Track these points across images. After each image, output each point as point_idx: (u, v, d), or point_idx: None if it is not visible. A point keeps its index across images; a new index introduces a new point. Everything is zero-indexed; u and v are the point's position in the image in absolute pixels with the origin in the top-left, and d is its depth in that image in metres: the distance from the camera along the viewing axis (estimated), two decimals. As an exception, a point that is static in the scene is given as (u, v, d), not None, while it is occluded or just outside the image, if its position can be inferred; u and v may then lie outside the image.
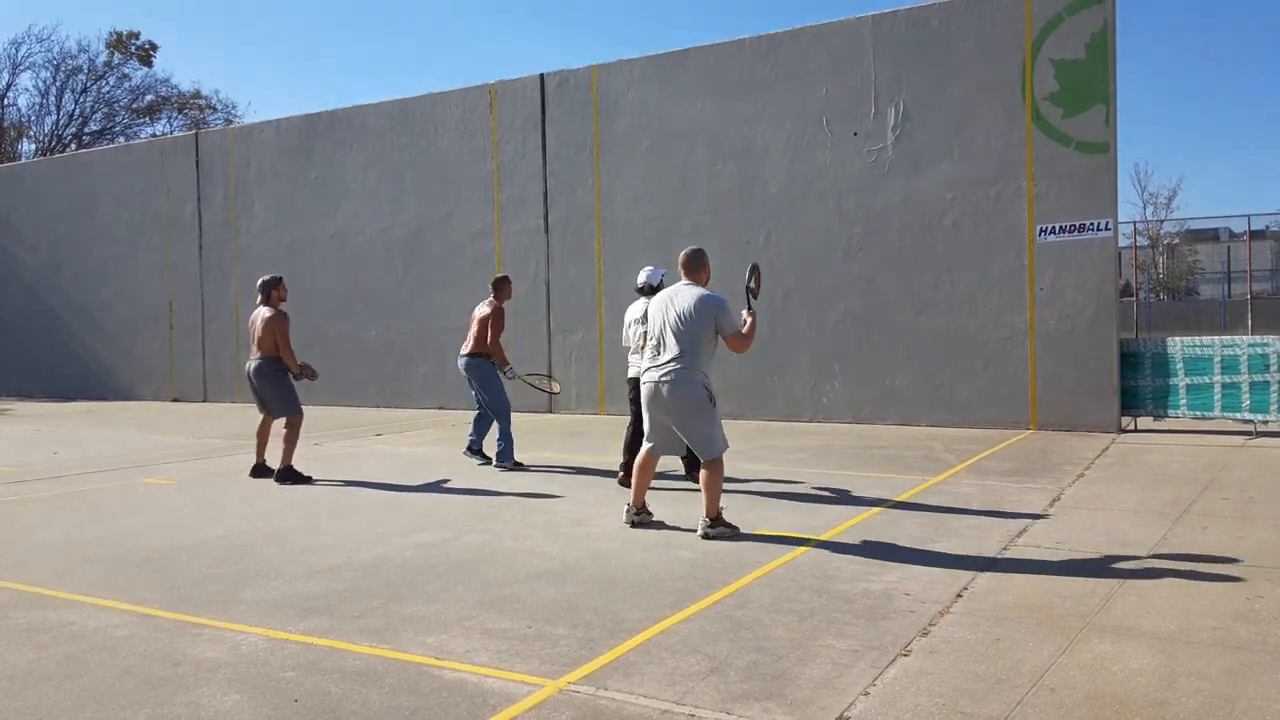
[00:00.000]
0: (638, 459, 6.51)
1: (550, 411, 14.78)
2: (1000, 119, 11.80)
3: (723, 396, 13.53)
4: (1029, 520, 6.56)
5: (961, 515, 6.75)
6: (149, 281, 19.26)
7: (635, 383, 7.82)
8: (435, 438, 10.78)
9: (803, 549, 5.86)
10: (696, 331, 6.14)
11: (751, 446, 10.65)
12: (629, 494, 6.70)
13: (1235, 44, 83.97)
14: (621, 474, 8.03)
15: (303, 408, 9.05)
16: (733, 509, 7.15)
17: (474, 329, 9.53)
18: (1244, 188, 79.74)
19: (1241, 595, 4.78)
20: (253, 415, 9.54)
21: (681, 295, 6.29)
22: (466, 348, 9.56)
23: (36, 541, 6.55)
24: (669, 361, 6.14)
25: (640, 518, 6.54)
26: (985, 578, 5.17)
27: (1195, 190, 74.26)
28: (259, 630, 4.52)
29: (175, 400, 18.77)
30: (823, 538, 6.15)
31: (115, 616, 4.78)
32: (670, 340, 6.17)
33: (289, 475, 8.73)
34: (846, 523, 6.59)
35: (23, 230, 21.19)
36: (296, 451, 8.94)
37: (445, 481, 8.69)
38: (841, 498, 7.52)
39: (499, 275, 9.82)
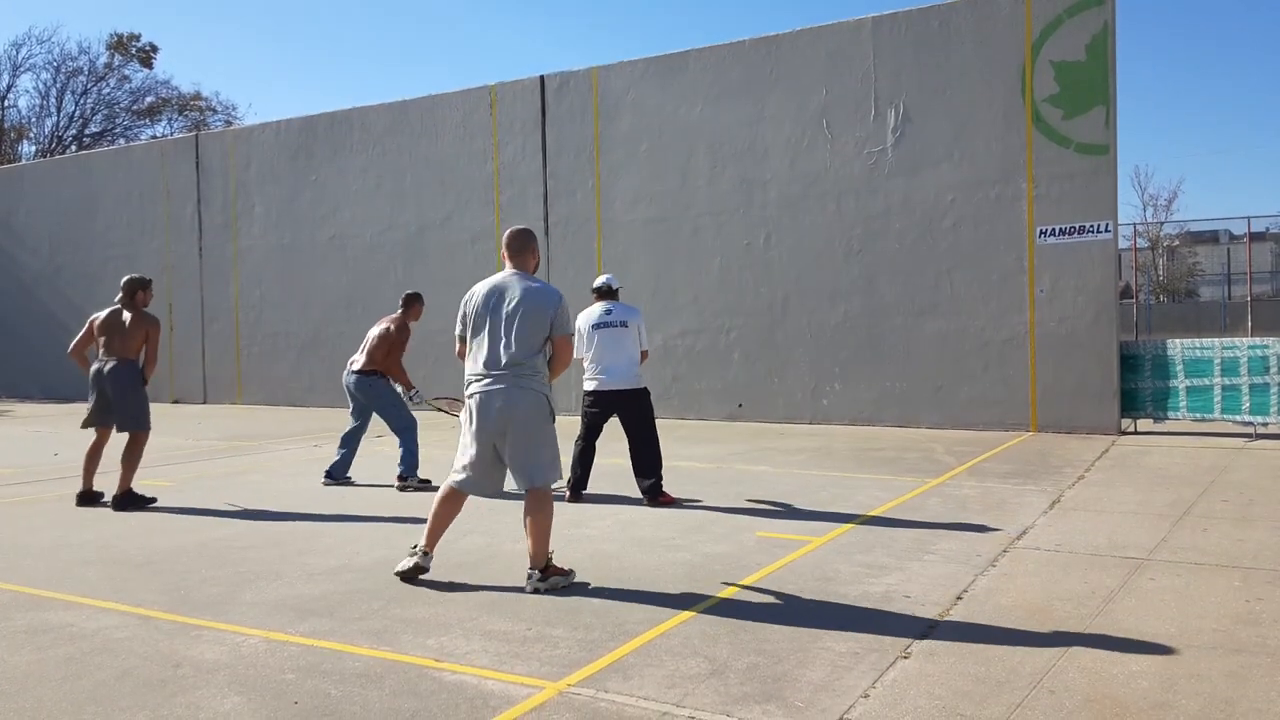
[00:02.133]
0: (442, 493, 5.30)
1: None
2: (1000, 121, 11.81)
3: (722, 398, 13.68)
4: (1029, 522, 6.55)
5: (961, 517, 6.75)
6: (149, 283, 19.24)
7: (593, 395, 7.69)
8: (435, 440, 10.76)
9: (802, 551, 5.86)
10: (534, 331, 5.12)
11: (751, 448, 10.65)
12: (424, 533, 5.35)
13: (1235, 45, 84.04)
14: (569, 492, 7.60)
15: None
16: (732, 510, 7.15)
17: (371, 343, 8.64)
18: (1244, 190, 79.80)
19: (1241, 598, 4.78)
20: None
21: (513, 287, 5.19)
22: (358, 364, 8.63)
23: (36, 543, 6.55)
24: (506, 367, 5.08)
25: (425, 564, 5.27)
26: (985, 580, 5.17)
27: (1195, 192, 74.29)
28: (259, 632, 4.51)
29: (175, 402, 18.77)
30: (822, 539, 6.15)
31: (115, 618, 4.78)
32: (505, 341, 5.09)
33: (130, 500, 7.73)
34: (846, 525, 6.59)
35: (23, 232, 21.20)
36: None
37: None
38: (841, 499, 7.52)
39: (410, 292, 8.94)
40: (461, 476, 5.19)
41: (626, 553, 5.92)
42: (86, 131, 39.21)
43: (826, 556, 5.74)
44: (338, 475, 8.74)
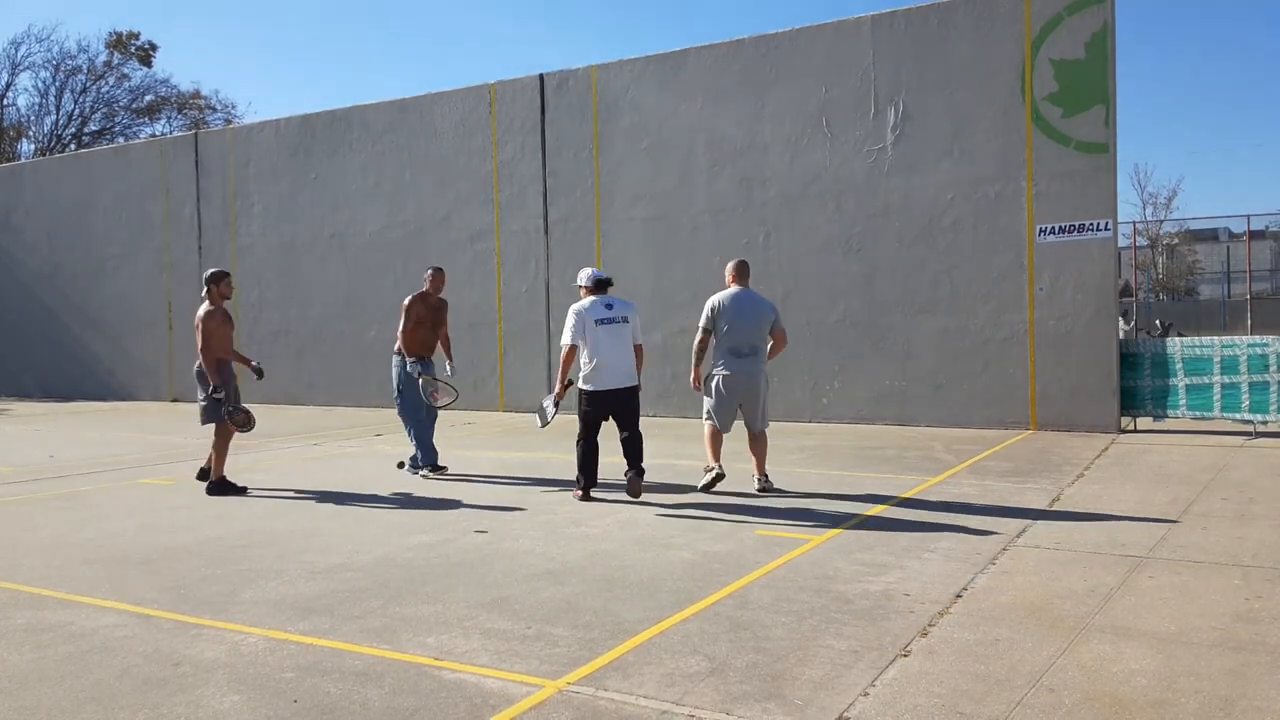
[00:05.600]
0: (709, 433, 7.74)
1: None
2: (1000, 119, 11.80)
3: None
4: (1028, 520, 6.56)
5: (961, 515, 6.76)
6: (148, 281, 19.25)
7: (594, 395, 7.57)
8: (435, 438, 10.73)
9: (802, 549, 5.87)
10: (766, 328, 7.66)
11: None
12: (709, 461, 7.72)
13: (1235, 43, 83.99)
14: (581, 493, 7.63)
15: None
16: (732, 509, 7.16)
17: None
18: (1244, 188, 79.68)
19: (1241, 596, 4.78)
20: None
21: (753, 300, 7.69)
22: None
23: (36, 542, 6.55)
24: (753, 354, 7.63)
25: (722, 472, 7.64)
26: (984, 578, 5.17)
27: (1195, 190, 74.18)
28: (258, 630, 4.52)
29: (175, 400, 18.75)
30: (822, 538, 6.15)
31: (114, 617, 4.78)
32: (753, 337, 7.62)
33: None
34: (846, 523, 6.59)
35: (22, 230, 21.18)
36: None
37: (445, 481, 8.68)
38: (841, 498, 7.52)
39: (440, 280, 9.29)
40: (722, 426, 7.76)
41: (626, 551, 5.93)
42: (86, 130, 39.17)
43: (826, 555, 5.74)
44: (421, 464, 9.15)
